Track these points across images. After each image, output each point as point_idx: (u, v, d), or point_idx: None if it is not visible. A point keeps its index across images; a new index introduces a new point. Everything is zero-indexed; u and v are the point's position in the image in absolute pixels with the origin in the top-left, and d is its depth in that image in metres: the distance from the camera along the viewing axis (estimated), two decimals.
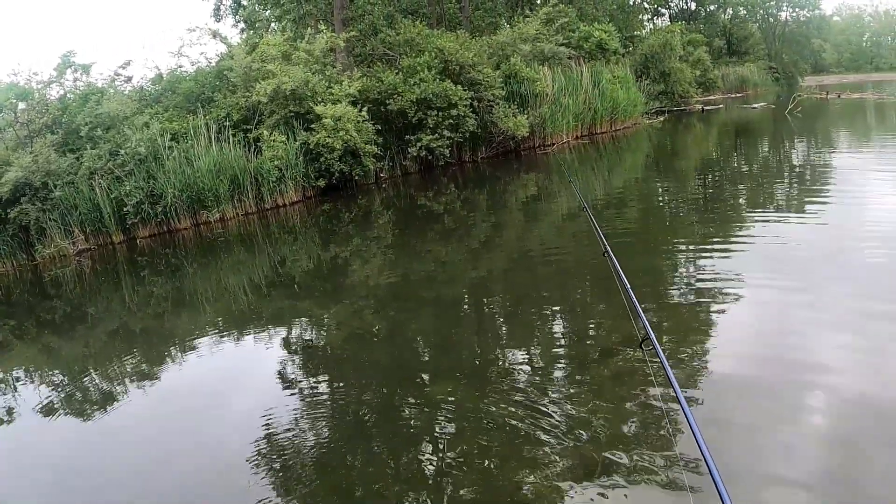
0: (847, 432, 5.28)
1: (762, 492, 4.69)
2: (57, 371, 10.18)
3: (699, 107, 40.91)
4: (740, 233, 11.83)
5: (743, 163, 21.22)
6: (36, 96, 20.42)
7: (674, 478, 4.88)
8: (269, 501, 5.42)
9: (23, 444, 7.63)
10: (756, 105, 41.88)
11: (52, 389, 9.17)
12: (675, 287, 9.37)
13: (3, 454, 7.46)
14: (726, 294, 8.67)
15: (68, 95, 21.47)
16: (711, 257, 10.55)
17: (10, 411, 8.46)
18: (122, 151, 18.90)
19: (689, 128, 33.38)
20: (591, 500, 4.82)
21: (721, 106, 43.53)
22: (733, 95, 53.12)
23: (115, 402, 8.28)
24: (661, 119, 35.43)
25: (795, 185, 15.97)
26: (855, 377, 6.08)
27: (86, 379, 9.48)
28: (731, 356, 6.87)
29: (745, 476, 4.79)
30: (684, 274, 9.98)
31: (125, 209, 18.47)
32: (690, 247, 11.51)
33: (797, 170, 18.28)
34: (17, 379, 9.93)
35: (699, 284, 9.25)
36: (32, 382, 9.71)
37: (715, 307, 8.36)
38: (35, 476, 6.72)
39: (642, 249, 11.92)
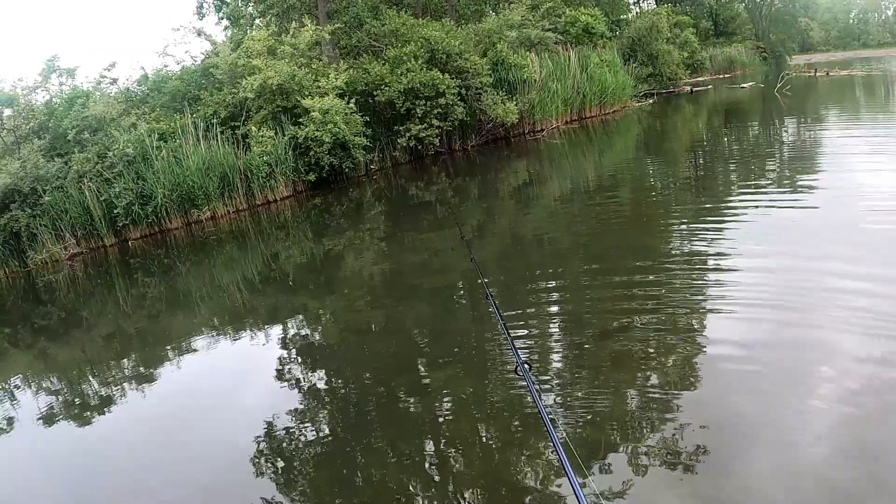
0: (855, 413, 5.26)
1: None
2: (54, 377, 10.15)
3: (688, 88, 40.78)
4: (732, 208, 11.81)
5: (734, 142, 21.15)
6: (21, 102, 20.31)
7: (675, 460, 4.86)
8: (272, 496, 5.41)
9: (22, 451, 7.61)
10: (745, 85, 41.80)
11: (50, 395, 9.18)
12: (673, 262, 9.33)
13: (3, 461, 7.44)
14: (723, 266, 8.73)
15: (54, 100, 21.40)
16: (706, 232, 10.54)
17: (8, 419, 8.41)
18: (111, 153, 18.81)
19: (679, 109, 33.32)
20: (593, 480, 4.78)
21: (710, 87, 43.41)
22: (722, 76, 52.95)
23: (114, 405, 8.25)
24: (650, 102, 35.33)
25: (787, 161, 15.91)
26: (862, 348, 6.03)
27: (83, 384, 9.48)
28: (732, 332, 6.83)
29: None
30: (679, 249, 9.94)
31: (115, 211, 18.37)
32: (684, 223, 11.49)
33: (788, 147, 18.27)
34: (15, 386, 9.87)
35: (696, 258, 9.25)
36: (30, 389, 9.66)
37: (713, 277, 8.41)
38: (36, 481, 6.72)
39: (635, 228, 11.92)
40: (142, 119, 20.57)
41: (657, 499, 4.58)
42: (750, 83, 42.42)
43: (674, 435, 5.16)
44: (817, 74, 43.60)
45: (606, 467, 4.93)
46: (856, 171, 13.10)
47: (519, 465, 5.23)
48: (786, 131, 21.81)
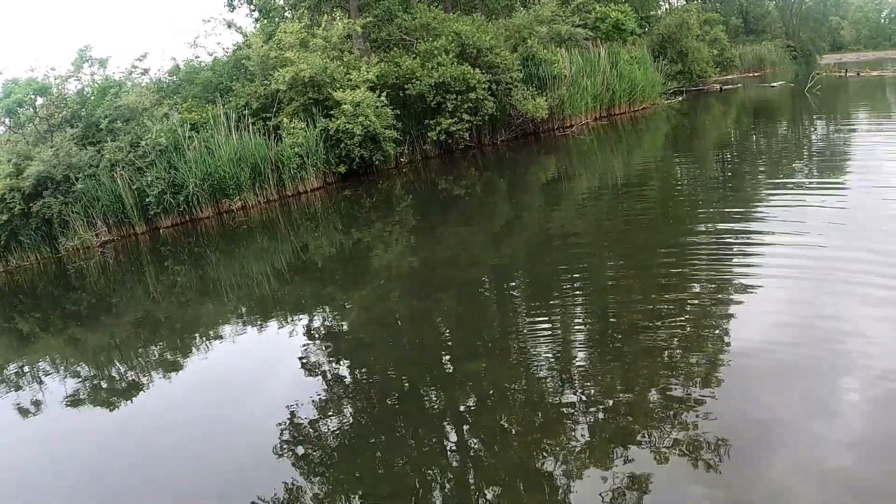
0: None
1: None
2: (83, 362, 10.25)
3: (717, 86, 40.59)
4: (761, 207, 11.75)
5: (762, 141, 21.02)
6: (54, 91, 20.47)
7: (700, 455, 4.86)
8: (296, 483, 5.46)
9: (53, 433, 7.71)
10: (774, 84, 41.52)
11: (79, 380, 9.28)
12: (700, 259, 9.31)
13: (36, 442, 7.53)
14: (750, 262, 8.72)
15: (86, 89, 21.55)
16: (733, 230, 10.49)
17: (35, 402, 8.52)
18: (143, 143, 18.98)
19: (708, 107, 33.11)
20: (618, 474, 4.80)
21: (739, 85, 43.20)
22: (751, 74, 52.70)
23: (141, 392, 8.37)
24: (680, 99, 35.15)
25: (816, 161, 15.75)
26: (892, 344, 6.03)
27: (111, 369, 9.59)
28: (760, 326, 6.82)
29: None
30: (707, 247, 9.89)
31: (147, 200, 18.57)
32: (711, 221, 11.42)
33: (817, 147, 18.09)
34: (45, 370, 9.99)
35: (723, 255, 9.23)
36: (59, 373, 9.77)
37: (740, 274, 8.39)
38: (67, 463, 6.79)
39: (663, 225, 11.90)
40: (174, 109, 20.73)
41: (680, 493, 4.60)
42: (780, 82, 42.15)
43: (698, 429, 5.16)
44: (847, 75, 43.18)
45: (630, 460, 4.93)
46: (885, 170, 12.99)
47: (542, 458, 5.23)
48: (815, 131, 21.66)
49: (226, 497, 5.57)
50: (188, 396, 8.02)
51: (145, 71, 23.83)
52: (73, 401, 8.28)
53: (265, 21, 33.70)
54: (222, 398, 7.72)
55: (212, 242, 17.18)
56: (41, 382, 9.38)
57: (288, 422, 6.51)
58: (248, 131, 20.27)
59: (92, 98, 20.81)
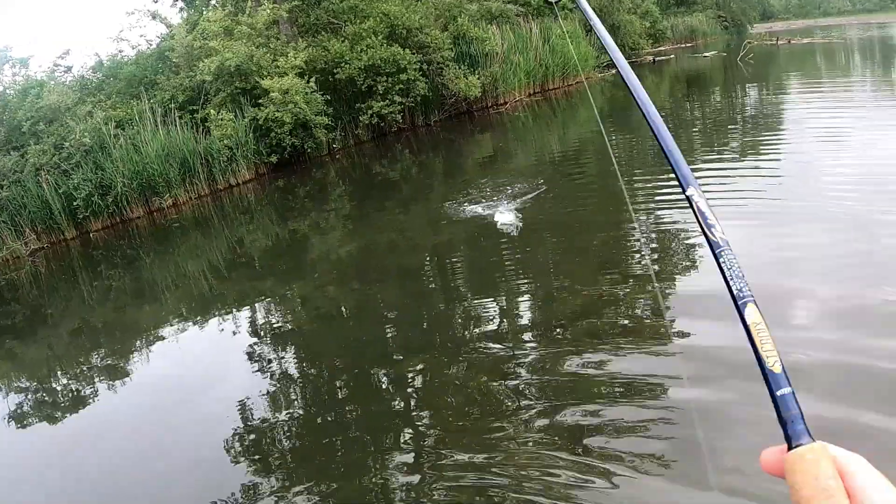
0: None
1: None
2: (22, 377, 9.93)
3: (650, 58, 40.88)
4: (698, 172, 11.73)
5: (696, 111, 21.18)
6: None
7: (660, 435, 4.78)
8: (248, 488, 5.31)
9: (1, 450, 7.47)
10: (707, 54, 41.98)
11: (20, 395, 9.01)
12: (642, 231, 9.29)
13: None
14: (688, 237, 8.68)
15: (7, 91, 20.88)
16: (672, 203, 10.40)
17: None
18: (67, 144, 18.39)
19: (641, 79, 31.87)
20: (571, 462, 4.70)
21: (672, 56, 43.56)
22: (683, 45, 53.20)
23: (85, 402, 8.16)
24: (613, 72, 35.15)
25: (749, 129, 16.02)
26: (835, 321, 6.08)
27: (53, 382, 9.33)
28: (706, 297, 6.75)
29: None
30: (645, 222, 9.87)
31: (75, 203, 17.97)
32: (648, 195, 11.39)
33: (750, 115, 18.39)
34: None
35: (665, 229, 9.21)
36: None
37: (679, 249, 8.47)
38: (20, 477, 6.62)
39: (602, 201, 11.84)
40: (98, 107, 20.17)
41: (635, 479, 4.46)
42: (711, 52, 42.65)
43: (651, 408, 5.10)
44: (779, 43, 43.83)
45: (583, 448, 4.83)
46: (817, 130, 13.24)
47: (491, 449, 5.09)
48: (748, 99, 21.94)
49: (188, 499, 5.46)
50: (137, 402, 7.81)
51: (68, 68, 23.24)
52: (18, 416, 8.01)
53: (191, 11, 33.10)
54: (167, 405, 7.52)
55: (145, 243, 16.76)
56: None
57: (238, 425, 6.34)
58: (176, 125, 19.77)
59: (13, 100, 20.17)
